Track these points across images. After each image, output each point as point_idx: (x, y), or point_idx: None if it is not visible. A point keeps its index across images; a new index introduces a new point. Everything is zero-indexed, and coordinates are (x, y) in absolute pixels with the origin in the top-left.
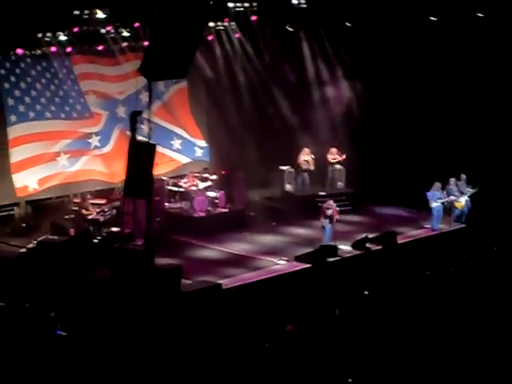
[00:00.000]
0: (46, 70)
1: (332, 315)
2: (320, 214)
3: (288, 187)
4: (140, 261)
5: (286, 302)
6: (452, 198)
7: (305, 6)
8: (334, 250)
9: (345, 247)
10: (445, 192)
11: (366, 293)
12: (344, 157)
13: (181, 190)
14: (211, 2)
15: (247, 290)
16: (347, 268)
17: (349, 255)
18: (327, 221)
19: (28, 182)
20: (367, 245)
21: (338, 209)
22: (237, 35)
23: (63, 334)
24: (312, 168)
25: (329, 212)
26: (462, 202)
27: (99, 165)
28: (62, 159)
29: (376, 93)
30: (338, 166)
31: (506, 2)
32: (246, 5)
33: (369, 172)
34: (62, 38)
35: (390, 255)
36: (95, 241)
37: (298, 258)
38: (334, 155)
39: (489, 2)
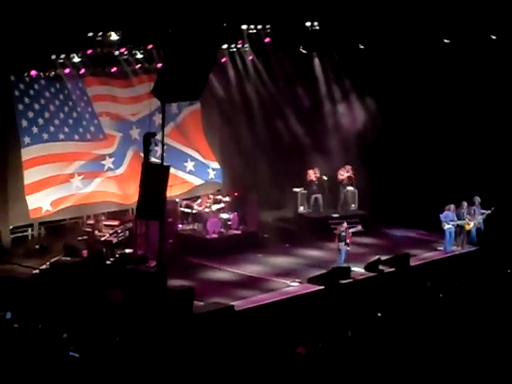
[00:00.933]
0: (60, 92)
1: (345, 337)
2: (334, 237)
3: (301, 209)
4: (153, 283)
5: (299, 323)
6: (462, 221)
7: (318, 28)
8: (346, 272)
9: (358, 269)
10: (455, 214)
11: (379, 315)
12: (352, 174)
13: (194, 211)
14: (224, 25)
15: (260, 311)
16: (360, 290)
17: (362, 277)
18: (342, 243)
19: (42, 203)
20: (380, 267)
21: (350, 231)
22: (250, 57)
23: (76, 355)
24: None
25: (342, 234)
26: (471, 224)
27: (113, 186)
28: (76, 181)
29: (389, 114)
30: (350, 188)
31: None
32: (260, 27)
33: (381, 194)
34: (76, 59)
35: (403, 277)
36: (108, 262)
37: (311, 280)
38: (345, 171)
39: (501, 24)
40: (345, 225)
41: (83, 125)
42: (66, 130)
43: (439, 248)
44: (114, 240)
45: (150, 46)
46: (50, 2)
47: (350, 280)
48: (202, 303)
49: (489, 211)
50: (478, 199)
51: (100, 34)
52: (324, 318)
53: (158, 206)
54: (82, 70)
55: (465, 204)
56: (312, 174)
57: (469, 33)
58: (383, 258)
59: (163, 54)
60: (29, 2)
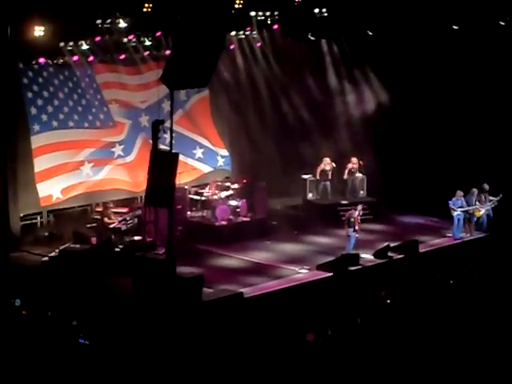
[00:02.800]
0: (69, 79)
1: (354, 324)
2: (344, 223)
3: (310, 196)
4: (162, 270)
5: (308, 310)
6: (471, 207)
7: (326, 14)
8: (355, 259)
9: (367, 256)
10: (465, 201)
11: (388, 301)
12: (362, 163)
13: (202, 198)
14: (233, 11)
15: (269, 298)
16: (369, 277)
17: (371, 264)
18: (351, 229)
19: (52, 191)
20: (389, 253)
21: (359, 218)
22: (258, 44)
23: (85, 342)
24: (329, 177)
25: (351, 220)
26: (482, 211)
27: (122, 174)
28: (86, 168)
29: (398, 101)
30: (359, 175)
31: None
32: (268, 14)
33: (390, 180)
34: (84, 47)
35: (412, 264)
36: (117, 250)
37: (320, 267)
38: (353, 164)
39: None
40: (358, 208)
41: (92, 112)
42: (76, 117)
43: (448, 234)
44: (123, 227)
45: (159, 33)
46: None
47: (359, 267)
48: (211, 290)
49: (497, 198)
50: (486, 186)
51: (108, 21)
52: (333, 304)
53: (167, 193)
54: (91, 58)
55: (475, 191)
56: (325, 162)
57: (478, 19)
58: (392, 244)
59: (172, 40)
60: None
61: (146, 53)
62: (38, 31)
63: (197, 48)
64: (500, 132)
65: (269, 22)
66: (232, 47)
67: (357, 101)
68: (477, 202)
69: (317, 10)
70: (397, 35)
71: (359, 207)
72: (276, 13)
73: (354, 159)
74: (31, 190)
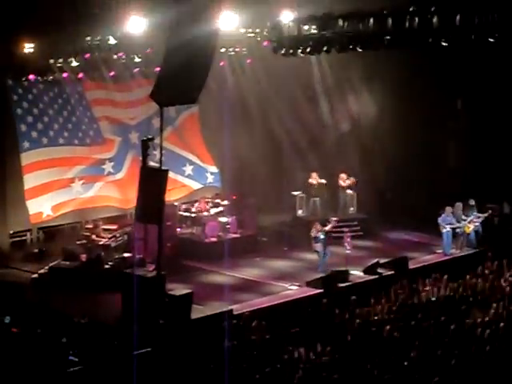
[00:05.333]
0: (59, 96)
1: (344, 341)
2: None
3: (299, 212)
4: (151, 287)
5: (298, 327)
6: (461, 223)
7: (315, 31)
8: (345, 276)
9: (357, 272)
10: (455, 217)
11: (375, 318)
12: (354, 180)
13: (192, 215)
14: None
15: (259, 315)
16: (359, 293)
17: (360, 281)
18: (319, 245)
19: (42, 208)
20: (379, 270)
21: (349, 234)
22: (248, 60)
23: (75, 359)
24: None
25: (320, 236)
26: (471, 227)
27: (113, 191)
28: (77, 185)
29: (388, 115)
30: (349, 191)
31: None
32: (258, 30)
33: (381, 197)
34: (74, 64)
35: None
36: (106, 266)
37: (310, 284)
38: (343, 180)
39: None
40: (318, 227)
41: (82, 129)
42: (66, 134)
43: (438, 251)
44: (113, 244)
45: (149, 51)
46: (48, 7)
47: (349, 283)
48: (200, 307)
49: (486, 214)
50: (472, 201)
51: (98, 38)
52: (323, 321)
53: (157, 210)
54: (80, 75)
55: (459, 205)
56: (313, 178)
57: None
58: (382, 261)
59: (161, 57)
60: (27, 6)
61: (136, 69)
62: (28, 48)
63: (186, 65)
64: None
65: (258, 38)
66: (222, 64)
67: (347, 115)
68: (464, 218)
69: (306, 27)
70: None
71: (332, 222)
72: (265, 29)
73: (344, 175)
74: (21, 207)
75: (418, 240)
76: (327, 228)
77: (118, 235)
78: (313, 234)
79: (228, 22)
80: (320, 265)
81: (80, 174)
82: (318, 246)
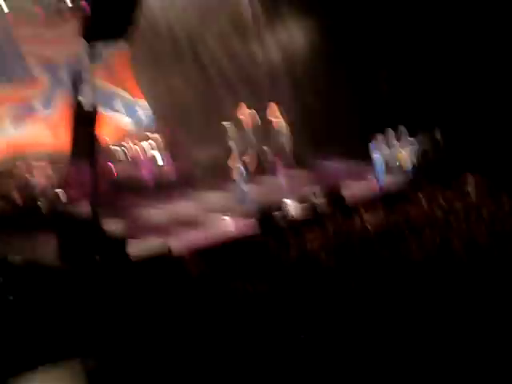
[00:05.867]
0: None
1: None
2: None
3: (231, 144)
4: (86, 224)
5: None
6: (392, 149)
7: None
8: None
9: (290, 202)
10: (385, 144)
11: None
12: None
13: (124, 150)
14: None
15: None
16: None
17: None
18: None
19: None
20: (313, 200)
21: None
22: None
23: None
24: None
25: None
26: (403, 152)
27: (43, 129)
28: (7, 124)
29: (319, 44)
30: (279, 121)
31: None
32: None
33: (312, 126)
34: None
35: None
36: (40, 204)
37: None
38: (273, 111)
39: None
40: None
41: (9, 66)
42: None
43: (371, 179)
44: (46, 183)
45: None
46: None
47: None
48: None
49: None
50: (402, 128)
51: None
52: (258, 254)
53: (89, 147)
54: (7, 9)
55: (391, 132)
56: (243, 109)
57: None
58: (315, 191)
59: None
60: None
61: (63, 4)
62: None
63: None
64: None
65: None
66: None
67: (277, 45)
68: (396, 144)
69: None
70: None
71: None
72: None
73: (273, 105)
74: None
75: (350, 168)
76: (246, 159)
77: (51, 173)
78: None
79: None
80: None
81: (9, 113)
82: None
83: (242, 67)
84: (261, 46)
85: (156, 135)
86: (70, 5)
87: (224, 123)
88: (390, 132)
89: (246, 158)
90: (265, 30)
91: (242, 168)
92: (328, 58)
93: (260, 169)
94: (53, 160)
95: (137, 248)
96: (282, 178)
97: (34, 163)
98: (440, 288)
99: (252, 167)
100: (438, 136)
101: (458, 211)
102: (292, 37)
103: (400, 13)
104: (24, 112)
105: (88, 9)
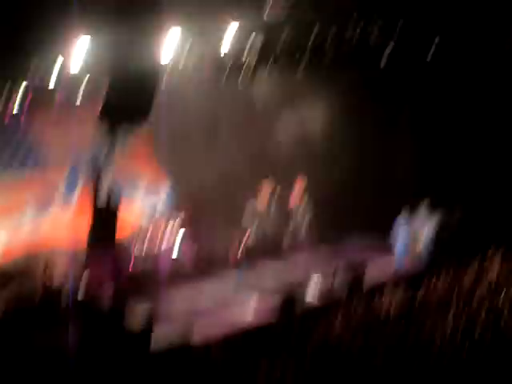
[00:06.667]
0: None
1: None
2: None
3: (252, 227)
4: (107, 319)
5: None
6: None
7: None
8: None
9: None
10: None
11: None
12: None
13: (146, 239)
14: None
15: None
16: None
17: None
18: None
19: None
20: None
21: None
22: (194, 78)
23: None
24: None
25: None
26: (423, 236)
27: (65, 216)
28: (27, 213)
29: (337, 125)
30: (300, 206)
31: None
32: (202, 47)
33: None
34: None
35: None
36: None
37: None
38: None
39: None
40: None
41: (32, 154)
42: (16, 159)
43: (392, 260)
44: (67, 280)
45: (93, 73)
46: None
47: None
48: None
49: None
50: (424, 207)
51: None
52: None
53: (110, 233)
54: (27, 100)
55: (415, 208)
56: (263, 190)
57: None
58: (337, 274)
59: (107, 80)
60: None
61: (83, 92)
62: None
63: (133, 85)
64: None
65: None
66: (168, 82)
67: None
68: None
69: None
70: None
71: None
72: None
73: (296, 181)
74: None
75: (373, 245)
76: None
77: (71, 271)
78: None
79: (173, 40)
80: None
81: (31, 199)
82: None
83: (263, 144)
84: (282, 121)
85: (177, 216)
86: (88, 93)
87: (248, 202)
88: (413, 208)
89: (267, 237)
90: (285, 106)
91: (262, 248)
92: (351, 133)
93: (283, 247)
94: (73, 249)
95: (158, 338)
96: (304, 256)
97: (54, 253)
98: (463, 372)
99: (274, 245)
100: (461, 211)
101: (482, 291)
102: (313, 113)
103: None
104: (45, 198)
105: (108, 94)
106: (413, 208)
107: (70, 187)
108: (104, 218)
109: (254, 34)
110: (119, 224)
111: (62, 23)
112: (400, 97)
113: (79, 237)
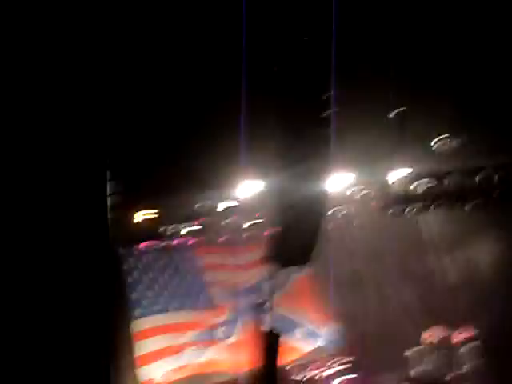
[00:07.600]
0: (169, 264)
1: None
2: None
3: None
4: None
5: None
6: None
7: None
8: None
9: None
10: None
11: None
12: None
13: (304, 379)
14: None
15: None
16: None
17: None
18: None
19: (154, 375)
20: None
21: None
22: (356, 219)
23: None
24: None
25: None
26: None
27: (224, 355)
28: (189, 351)
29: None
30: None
31: None
32: (365, 191)
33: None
34: (184, 230)
35: None
36: None
37: None
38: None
39: None
40: None
41: (194, 295)
42: (176, 301)
43: None
44: None
45: (257, 215)
46: (161, 175)
47: None
48: None
49: None
50: None
51: (208, 203)
52: None
53: (271, 375)
54: (191, 241)
55: None
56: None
57: None
58: None
59: (270, 222)
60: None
61: (246, 234)
62: (140, 216)
63: (296, 227)
64: None
65: (366, 198)
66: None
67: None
68: None
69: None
70: None
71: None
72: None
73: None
74: (132, 374)
75: None
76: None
77: None
78: None
79: (337, 183)
80: None
81: (192, 340)
82: None
83: (421, 288)
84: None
85: (340, 362)
86: (252, 233)
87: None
88: None
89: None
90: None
91: None
92: None
93: None
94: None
95: None
96: None
97: None
98: None
99: None
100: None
101: None
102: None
103: None
104: (206, 338)
105: (271, 237)
106: None
107: (232, 325)
108: (266, 356)
109: (422, 179)
110: (281, 363)
111: (233, 164)
112: None
113: (238, 369)
